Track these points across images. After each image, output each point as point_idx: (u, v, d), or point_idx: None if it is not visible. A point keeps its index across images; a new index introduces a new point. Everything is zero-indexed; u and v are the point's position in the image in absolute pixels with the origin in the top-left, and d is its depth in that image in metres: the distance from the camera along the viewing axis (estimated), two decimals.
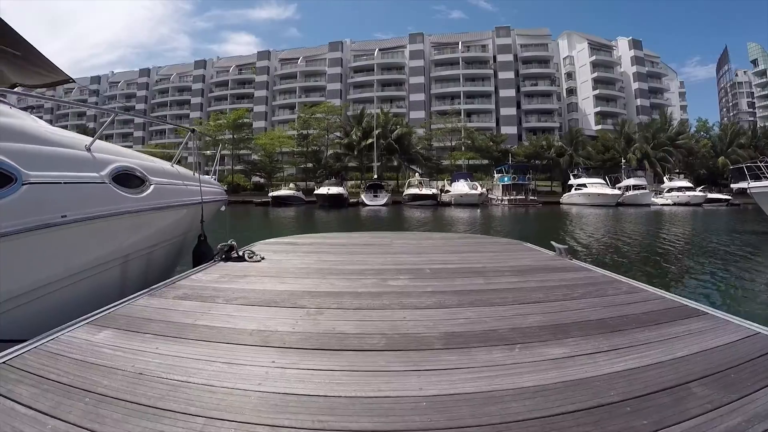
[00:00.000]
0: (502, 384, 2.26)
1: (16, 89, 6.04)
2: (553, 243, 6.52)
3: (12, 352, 2.56)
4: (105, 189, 4.49)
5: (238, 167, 65.86)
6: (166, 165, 6.25)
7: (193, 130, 7.19)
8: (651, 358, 2.54)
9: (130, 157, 5.39)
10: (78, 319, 3.18)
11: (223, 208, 8.70)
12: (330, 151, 65.11)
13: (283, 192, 47.97)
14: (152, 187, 5.25)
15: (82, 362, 2.49)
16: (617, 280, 4.74)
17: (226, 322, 3.28)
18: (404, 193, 49.30)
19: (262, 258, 5.84)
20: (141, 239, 5.21)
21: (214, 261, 5.71)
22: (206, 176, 7.74)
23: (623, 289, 4.26)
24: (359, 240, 8.59)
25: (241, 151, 66.55)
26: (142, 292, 4.06)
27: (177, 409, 2.02)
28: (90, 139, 4.74)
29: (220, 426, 1.90)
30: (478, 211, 38.51)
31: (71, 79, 6.50)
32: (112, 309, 3.49)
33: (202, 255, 6.25)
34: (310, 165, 64.06)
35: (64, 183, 3.93)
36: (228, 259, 5.73)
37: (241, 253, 5.85)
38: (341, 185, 48.57)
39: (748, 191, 19.68)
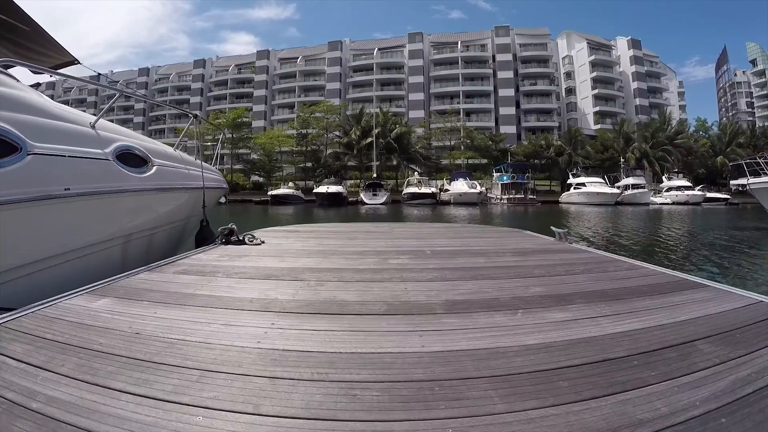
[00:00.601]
0: (505, 342, 2.24)
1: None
2: (552, 228, 6.50)
3: (8, 316, 2.54)
4: (108, 166, 4.49)
5: (237, 166, 65.78)
6: (168, 149, 6.25)
7: (195, 116, 7.17)
8: (654, 322, 2.52)
9: (134, 138, 5.40)
10: (76, 289, 3.16)
11: (223, 200, 8.66)
12: (329, 151, 65.04)
13: (283, 191, 47.89)
14: (155, 168, 5.24)
15: (78, 324, 2.47)
16: (618, 259, 4.73)
17: (225, 292, 3.25)
18: (403, 192, 49.19)
19: (263, 242, 5.82)
20: (143, 220, 5.19)
21: (215, 243, 5.71)
22: (207, 164, 7.72)
23: (624, 267, 4.25)
24: (359, 228, 8.58)
25: (240, 151, 66.46)
26: (142, 267, 4.05)
27: (173, 363, 1.99)
28: (94, 117, 4.76)
29: (217, 377, 1.87)
30: (478, 209, 38.47)
31: (76, 60, 6.46)
32: (112, 281, 3.48)
33: (204, 240, 6.24)
34: (309, 164, 63.98)
35: (68, 157, 3.93)
36: (228, 242, 5.71)
37: (241, 237, 5.82)
38: (340, 184, 48.47)
39: (747, 187, 19.64)
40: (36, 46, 5.83)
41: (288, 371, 1.92)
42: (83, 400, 1.67)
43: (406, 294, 3.18)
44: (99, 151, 4.40)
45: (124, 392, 1.74)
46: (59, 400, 1.68)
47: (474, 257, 4.87)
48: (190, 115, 7.16)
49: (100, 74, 5.61)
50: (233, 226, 5.88)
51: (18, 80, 4.30)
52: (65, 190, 3.77)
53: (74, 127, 4.29)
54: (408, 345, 2.21)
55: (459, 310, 2.75)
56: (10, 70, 4.12)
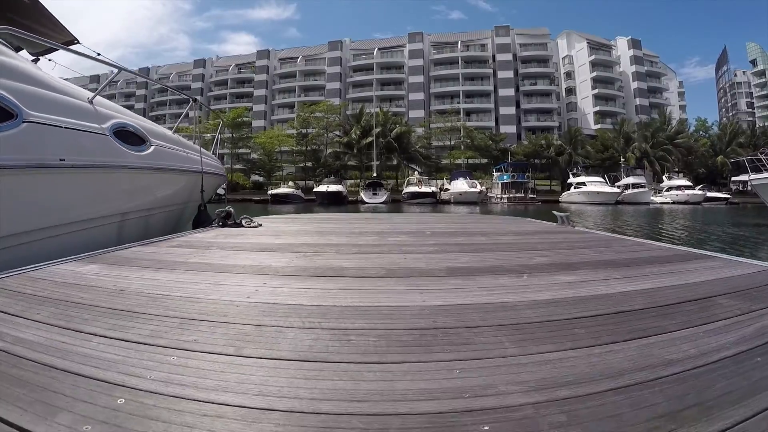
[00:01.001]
0: (512, 299, 2.12)
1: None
2: (554, 212, 6.40)
3: None
4: (105, 141, 4.42)
5: (237, 166, 65.62)
6: (167, 132, 6.18)
7: (195, 100, 7.07)
8: (667, 283, 2.41)
9: (133, 117, 5.34)
10: (66, 257, 3.07)
11: (221, 191, 8.56)
12: (329, 150, 64.89)
13: (283, 190, 47.79)
14: (153, 147, 5.17)
15: (62, 283, 2.36)
16: (623, 238, 4.64)
17: (218, 260, 3.15)
18: (403, 191, 49.05)
19: (260, 225, 5.72)
20: (139, 199, 5.11)
21: (212, 226, 5.62)
22: (206, 151, 7.62)
23: (629, 243, 4.14)
24: (359, 216, 8.51)
25: (240, 150, 66.31)
26: (135, 242, 3.98)
27: (154, 313, 1.89)
28: (92, 93, 4.70)
29: (199, 324, 1.77)
30: (478, 208, 38.37)
31: (76, 39, 6.35)
32: (103, 252, 3.42)
33: (201, 224, 6.15)
34: (309, 164, 63.81)
35: (65, 128, 3.88)
36: (225, 225, 5.61)
37: (238, 221, 5.72)
38: (340, 183, 48.36)
39: (749, 183, 19.52)
40: (36, 25, 5.75)
41: (277, 320, 1.81)
42: (51, 341, 1.59)
43: (405, 262, 3.07)
44: (96, 125, 4.34)
45: (97, 335, 1.64)
46: (26, 340, 1.59)
47: (474, 236, 4.76)
48: (189, 98, 7.07)
49: (98, 54, 5.51)
50: (230, 209, 5.78)
51: (16, 51, 4.25)
52: (60, 160, 3.73)
53: (72, 100, 4.24)
54: (408, 300, 2.09)
55: (461, 274, 2.64)
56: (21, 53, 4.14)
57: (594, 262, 3.04)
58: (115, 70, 5.59)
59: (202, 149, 6.98)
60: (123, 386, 1.35)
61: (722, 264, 3.02)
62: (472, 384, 1.32)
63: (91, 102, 4.44)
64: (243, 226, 5.58)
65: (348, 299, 2.09)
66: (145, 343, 1.57)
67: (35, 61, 5.12)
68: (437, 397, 1.24)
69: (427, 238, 4.60)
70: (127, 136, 4.78)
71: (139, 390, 1.33)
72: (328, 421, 1.16)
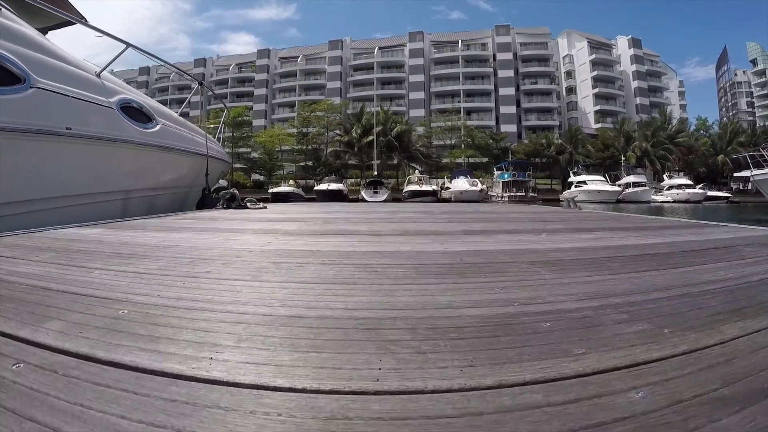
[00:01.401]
0: (537, 246, 2.09)
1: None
2: (560, 197, 6.39)
3: None
4: (112, 115, 4.43)
5: (238, 165, 65.51)
6: (173, 113, 6.18)
7: (200, 83, 7.04)
8: (688, 238, 2.37)
9: (140, 96, 5.35)
10: (69, 224, 3.04)
11: (224, 182, 8.52)
12: (330, 149, 64.85)
13: (283, 188, 47.77)
14: (159, 126, 5.17)
15: (64, 240, 2.33)
16: (632, 215, 4.61)
17: (226, 226, 3.11)
18: (404, 190, 48.96)
19: (265, 206, 5.69)
20: (144, 176, 5.09)
21: (216, 208, 5.59)
22: (211, 137, 7.60)
23: (638, 219, 4.11)
24: (363, 204, 8.49)
25: (241, 149, 66.20)
26: (139, 216, 3.96)
27: (161, 255, 1.87)
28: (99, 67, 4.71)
29: (212, 262, 1.74)
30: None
31: (84, 18, 6.29)
32: (108, 221, 3.37)
33: (205, 207, 6.13)
34: (309, 163, 63.76)
35: (72, 97, 3.88)
36: (229, 207, 5.57)
37: (243, 203, 5.68)
38: (341, 182, 48.32)
39: (750, 179, 19.47)
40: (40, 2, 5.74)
41: (295, 259, 1.79)
42: (49, 273, 1.58)
43: (419, 227, 3.03)
44: (103, 98, 4.35)
45: (101, 269, 1.61)
46: (23, 272, 1.58)
47: (484, 214, 4.73)
48: (194, 81, 7.04)
49: (105, 33, 5.48)
50: (235, 191, 5.74)
51: (24, 22, 4.25)
52: (66, 129, 3.71)
53: (79, 72, 4.26)
54: (430, 247, 2.05)
55: (479, 233, 2.60)
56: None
57: (609, 228, 3.01)
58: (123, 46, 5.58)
59: (207, 135, 6.96)
60: (126, 301, 1.32)
61: (737, 229, 2.99)
62: (518, 296, 1.32)
63: (98, 75, 4.44)
64: (248, 208, 5.54)
65: (367, 247, 2.05)
66: (152, 274, 1.54)
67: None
68: (485, 305, 1.23)
69: (436, 215, 4.58)
70: (134, 112, 4.78)
71: (145, 304, 1.29)
72: (368, 323, 1.13)
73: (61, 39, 5.97)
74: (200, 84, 7.00)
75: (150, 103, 5.20)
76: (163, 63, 7.76)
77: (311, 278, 1.50)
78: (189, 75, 8.32)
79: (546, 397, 0.83)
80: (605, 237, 2.47)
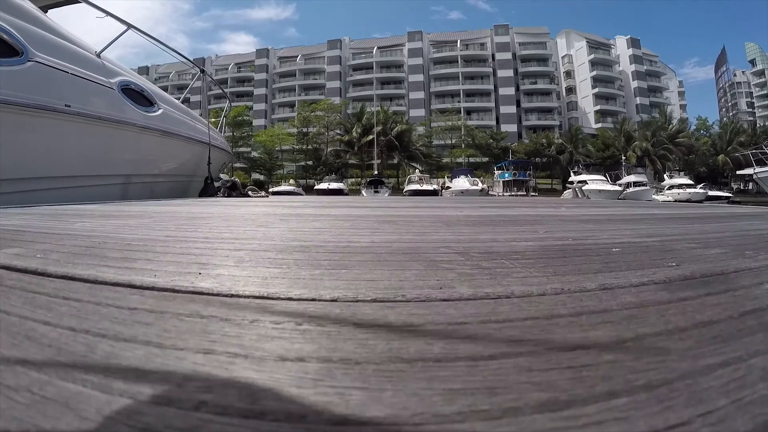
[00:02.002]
0: (566, 213, 1.99)
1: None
2: (567, 185, 6.36)
3: None
4: (112, 95, 4.36)
5: (238, 164, 65.45)
6: (175, 100, 6.12)
7: (202, 71, 6.97)
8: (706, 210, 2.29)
9: (141, 80, 5.29)
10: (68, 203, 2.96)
11: (225, 176, 8.46)
12: (330, 149, 64.84)
13: (283, 188, 47.80)
14: (161, 111, 5.11)
15: (53, 210, 2.24)
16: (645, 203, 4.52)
17: (228, 202, 3.03)
18: (404, 189, 49.01)
19: (267, 195, 5.60)
20: (145, 161, 5.00)
21: (217, 197, 5.52)
22: (213, 128, 7.53)
23: (654, 202, 4.03)
24: (369, 198, 8.46)
25: (241, 149, 66.16)
26: (138, 201, 3.88)
27: (164, 219, 1.77)
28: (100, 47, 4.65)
29: (210, 221, 1.64)
30: None
31: None
32: (109, 202, 3.29)
33: (207, 196, 6.05)
34: (310, 162, 63.78)
35: (71, 74, 3.80)
36: (230, 195, 5.49)
37: (244, 191, 5.60)
38: (341, 181, 48.39)
39: (753, 176, 19.47)
40: None
41: (305, 219, 1.70)
42: (27, 223, 1.51)
43: (430, 205, 2.95)
44: (104, 78, 4.28)
45: (82, 222, 1.56)
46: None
47: (488, 203, 4.66)
48: (196, 68, 6.98)
49: (107, 12, 5.39)
50: (236, 179, 5.67)
51: None
52: (66, 106, 3.64)
53: (80, 50, 4.19)
54: (449, 213, 1.97)
55: (486, 223, 2.52)
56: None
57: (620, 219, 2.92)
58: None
59: (210, 125, 6.90)
60: (105, 237, 1.25)
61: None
62: (568, 235, 1.32)
63: (98, 55, 4.37)
64: (249, 196, 5.47)
65: (382, 212, 2.00)
66: (141, 225, 1.48)
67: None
68: (535, 240, 1.22)
69: (443, 202, 4.52)
70: (135, 95, 4.71)
71: (125, 238, 1.23)
72: (406, 249, 1.14)
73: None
74: (202, 71, 6.92)
75: (152, 87, 5.15)
76: (164, 48, 7.67)
77: (326, 227, 1.44)
78: (191, 61, 8.20)
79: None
80: (618, 228, 2.42)
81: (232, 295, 0.82)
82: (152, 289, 0.86)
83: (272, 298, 0.81)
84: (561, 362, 0.59)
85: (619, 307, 0.79)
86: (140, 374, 0.54)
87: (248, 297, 0.82)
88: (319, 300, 0.80)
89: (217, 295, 0.83)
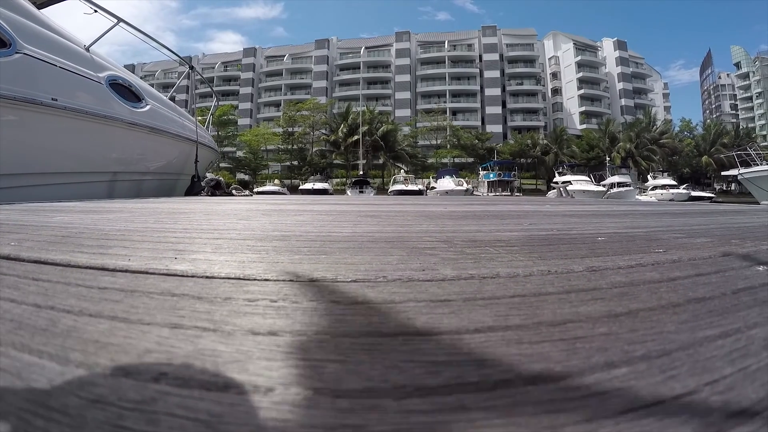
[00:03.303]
0: (550, 208, 1.98)
1: None
2: (552, 184, 6.40)
3: None
4: (100, 90, 4.30)
5: (223, 164, 64.95)
6: (164, 97, 6.05)
7: (191, 67, 6.91)
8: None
9: (129, 75, 5.21)
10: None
11: (211, 175, 8.37)
12: (315, 149, 64.66)
13: (268, 188, 47.57)
14: (149, 107, 5.05)
15: (33, 207, 2.18)
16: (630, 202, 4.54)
17: (211, 200, 2.98)
18: (389, 189, 49.01)
19: (252, 194, 5.54)
20: (133, 158, 4.93)
21: (201, 196, 5.45)
22: (201, 126, 7.45)
23: (638, 201, 4.04)
24: (354, 198, 8.42)
25: (226, 148, 65.66)
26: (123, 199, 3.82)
27: (145, 213, 1.72)
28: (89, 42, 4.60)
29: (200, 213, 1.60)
30: None
31: None
32: (94, 201, 3.23)
33: (193, 195, 5.98)
34: (295, 162, 63.52)
35: (59, 67, 3.76)
36: (214, 194, 5.42)
37: (228, 189, 5.53)
38: (326, 181, 48.27)
39: (738, 177, 19.77)
40: None
41: (289, 214, 1.65)
42: (9, 215, 1.42)
43: (415, 202, 2.93)
44: (92, 72, 4.21)
45: (59, 216, 1.50)
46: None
47: (473, 201, 4.66)
48: (184, 64, 6.92)
49: (97, 6, 5.31)
50: (221, 178, 5.60)
51: None
52: (53, 99, 3.57)
53: (68, 44, 4.17)
54: (433, 209, 1.95)
55: (473, 218, 2.50)
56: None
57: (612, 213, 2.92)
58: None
59: (197, 122, 6.82)
60: (81, 227, 1.21)
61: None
62: (553, 227, 1.31)
63: (87, 49, 4.31)
64: (233, 195, 5.41)
65: (365, 208, 1.97)
66: (119, 218, 1.44)
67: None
68: (520, 231, 1.22)
69: (430, 200, 4.51)
70: (123, 90, 4.66)
71: (102, 229, 1.19)
72: (389, 238, 1.14)
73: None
74: (191, 68, 6.85)
75: (140, 83, 5.09)
76: (153, 42, 7.56)
77: (308, 220, 1.41)
78: (179, 57, 8.12)
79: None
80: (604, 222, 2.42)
81: (207, 277, 0.79)
82: (125, 271, 0.82)
83: (248, 279, 0.78)
84: (552, 335, 0.57)
85: (608, 286, 0.78)
86: (100, 346, 0.51)
87: (223, 278, 0.78)
88: (297, 281, 0.77)
89: (192, 276, 0.79)
